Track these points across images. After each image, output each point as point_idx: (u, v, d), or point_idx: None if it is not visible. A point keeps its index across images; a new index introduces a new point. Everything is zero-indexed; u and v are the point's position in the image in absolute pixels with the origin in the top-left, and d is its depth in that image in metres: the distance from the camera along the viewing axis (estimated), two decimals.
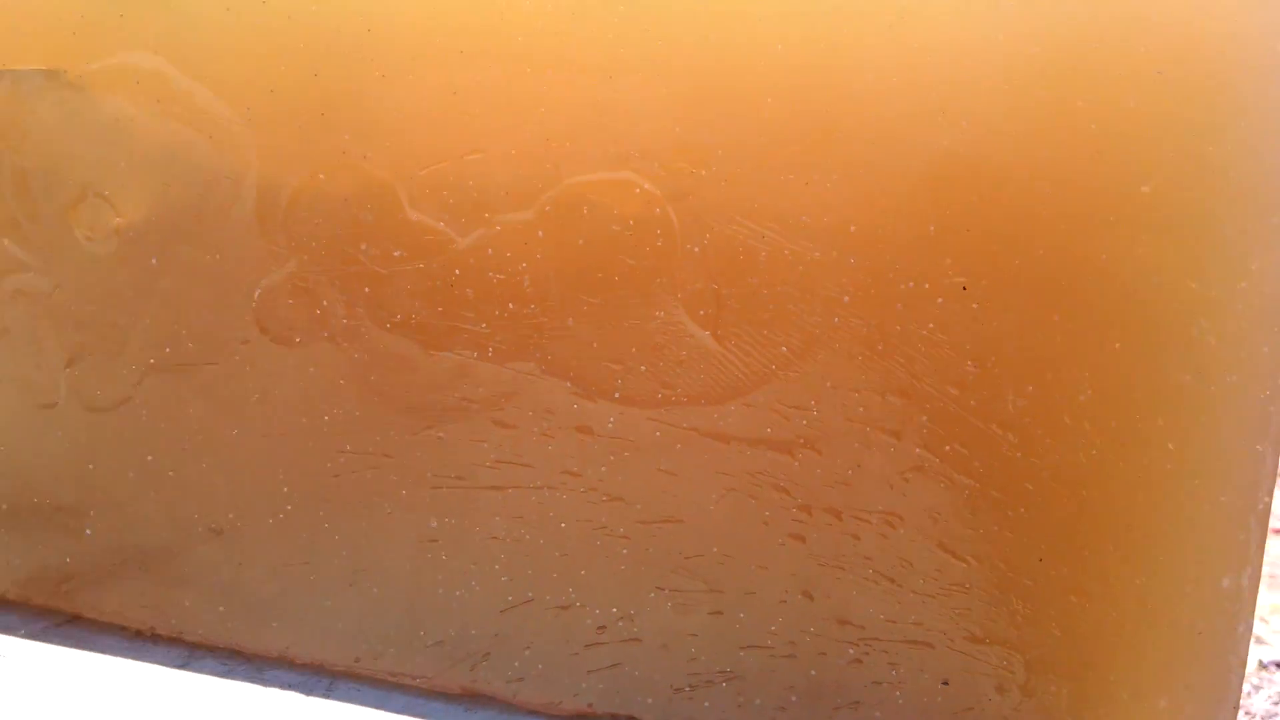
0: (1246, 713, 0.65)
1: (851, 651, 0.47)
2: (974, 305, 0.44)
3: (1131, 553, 0.44)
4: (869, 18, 0.44)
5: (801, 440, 0.46)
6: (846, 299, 0.45)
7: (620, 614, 0.49)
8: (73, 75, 0.54)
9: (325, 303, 0.51)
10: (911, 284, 0.44)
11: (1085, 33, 0.42)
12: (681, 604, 0.48)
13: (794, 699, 0.48)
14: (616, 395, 0.48)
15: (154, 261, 0.53)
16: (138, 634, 0.56)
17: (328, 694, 0.52)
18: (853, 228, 0.45)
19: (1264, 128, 0.41)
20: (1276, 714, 0.65)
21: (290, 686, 0.53)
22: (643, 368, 0.48)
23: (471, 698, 0.51)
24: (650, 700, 0.49)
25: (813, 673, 0.47)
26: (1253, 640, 0.55)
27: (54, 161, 0.55)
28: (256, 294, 0.52)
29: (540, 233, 0.48)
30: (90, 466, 0.56)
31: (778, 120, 0.45)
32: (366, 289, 0.51)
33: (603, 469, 0.49)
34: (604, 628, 0.49)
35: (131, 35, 0.53)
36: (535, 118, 0.48)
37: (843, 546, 0.46)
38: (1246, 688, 0.67)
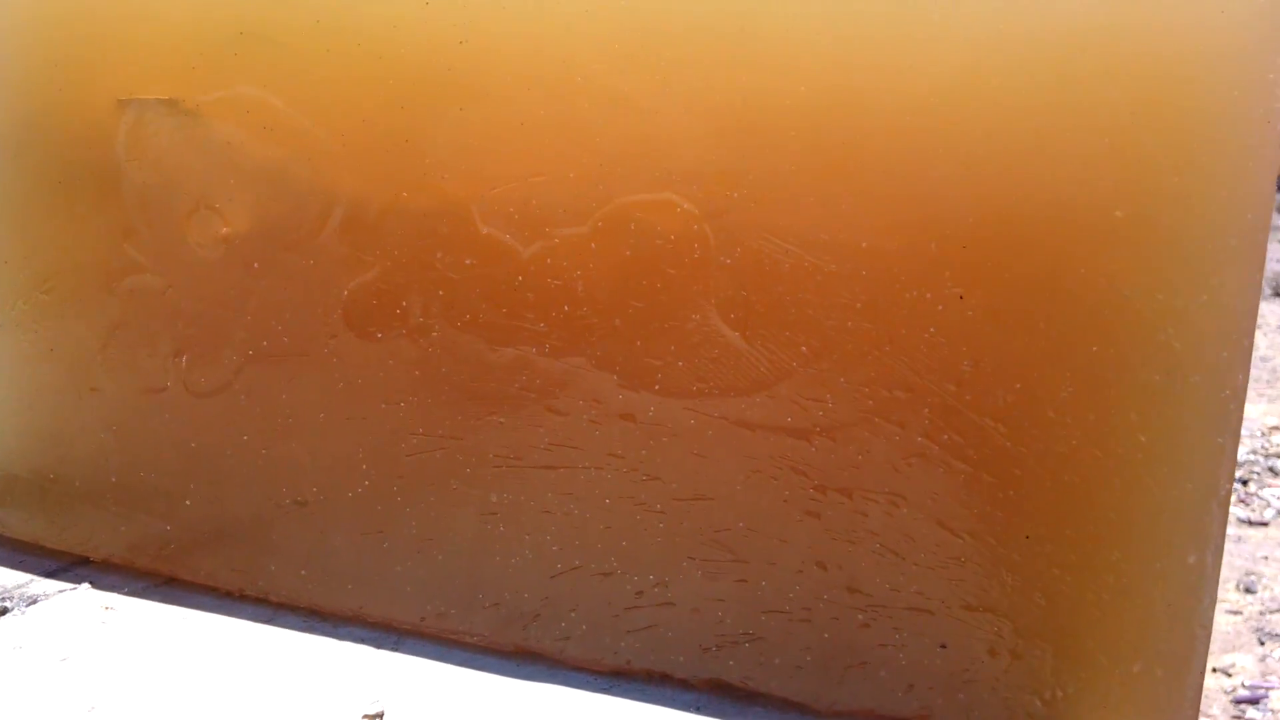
0: None
1: (860, 617, 0.53)
2: (969, 313, 0.50)
3: (1108, 532, 0.50)
4: (877, 70, 0.51)
5: (817, 428, 0.53)
6: (859, 306, 0.52)
7: (656, 581, 0.56)
8: (189, 104, 0.63)
9: (404, 303, 0.59)
10: (915, 293, 0.51)
11: (1066, 80, 0.49)
12: (710, 572, 0.55)
13: (809, 659, 0.54)
14: (656, 387, 0.55)
15: (255, 266, 0.61)
16: (227, 594, 0.64)
17: (396, 648, 0.59)
18: (864, 244, 0.52)
19: (1220, 164, 0.47)
20: None
21: (363, 641, 0.60)
22: (680, 363, 0.55)
23: (523, 654, 0.58)
24: (681, 659, 0.56)
25: (826, 635, 0.54)
26: None
27: (171, 178, 0.63)
28: (344, 295, 0.60)
29: (593, 245, 0.56)
30: (192, 445, 0.63)
31: (800, 152, 0.52)
32: (441, 292, 0.58)
33: (643, 452, 0.56)
34: (641, 593, 0.56)
35: (242, 70, 0.61)
36: (591, 146, 0.55)
37: (853, 523, 0.53)
38: None
